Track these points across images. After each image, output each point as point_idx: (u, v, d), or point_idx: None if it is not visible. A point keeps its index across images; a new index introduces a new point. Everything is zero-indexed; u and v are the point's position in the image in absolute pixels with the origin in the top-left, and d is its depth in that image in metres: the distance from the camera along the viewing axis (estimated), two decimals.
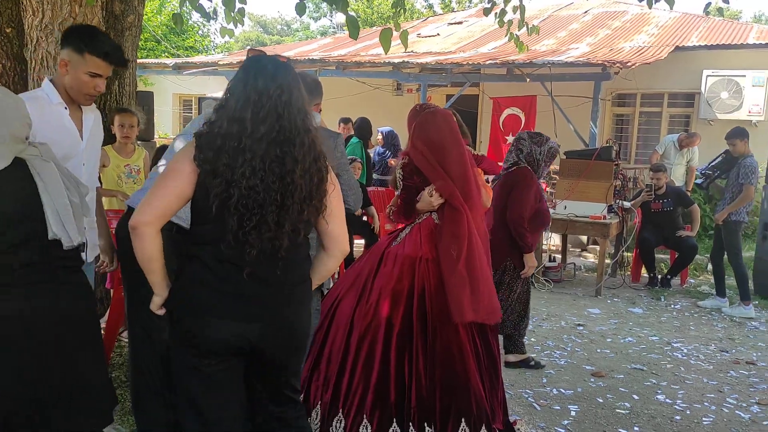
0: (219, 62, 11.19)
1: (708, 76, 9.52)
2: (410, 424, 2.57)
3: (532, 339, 4.56)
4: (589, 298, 6.02)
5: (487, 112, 10.75)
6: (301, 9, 3.46)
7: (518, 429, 2.96)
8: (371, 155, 7.72)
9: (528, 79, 8.60)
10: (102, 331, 3.47)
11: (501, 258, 3.74)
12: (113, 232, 2.62)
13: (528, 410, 3.41)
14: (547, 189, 6.92)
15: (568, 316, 5.34)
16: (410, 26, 14.03)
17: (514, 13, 4.57)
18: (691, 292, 6.37)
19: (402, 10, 4.42)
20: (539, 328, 4.91)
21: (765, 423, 3.41)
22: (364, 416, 2.58)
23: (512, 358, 3.95)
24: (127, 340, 2.94)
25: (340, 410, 2.62)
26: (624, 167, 7.61)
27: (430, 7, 25.22)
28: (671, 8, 3.89)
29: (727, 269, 5.79)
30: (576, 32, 11.67)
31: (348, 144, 7.03)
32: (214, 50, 21.45)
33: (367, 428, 2.57)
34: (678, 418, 3.42)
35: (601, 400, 3.60)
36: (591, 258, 7.78)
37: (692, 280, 6.87)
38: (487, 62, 8.72)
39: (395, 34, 3.48)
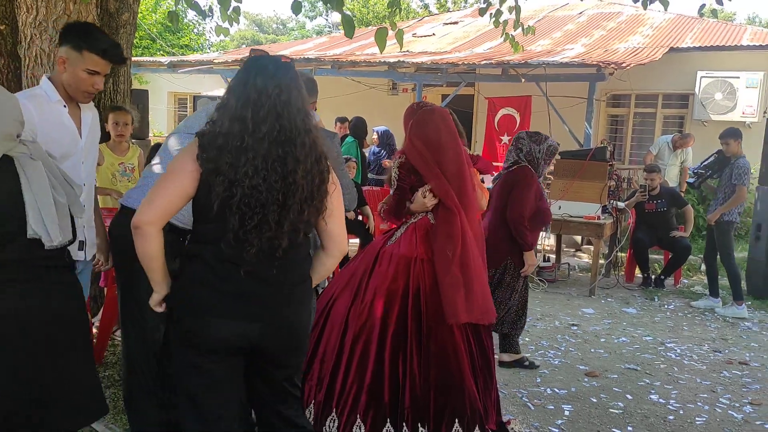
0: (214, 61, 11.18)
1: (702, 77, 9.57)
2: (404, 424, 2.57)
3: (527, 339, 4.56)
4: (583, 298, 6.03)
5: (482, 112, 10.78)
6: (296, 8, 3.45)
7: (512, 428, 2.96)
8: (366, 155, 7.71)
9: (523, 80, 8.62)
10: (95, 330, 3.47)
11: (501, 257, 3.74)
12: (107, 230, 2.61)
13: (522, 410, 3.41)
14: None
15: (562, 316, 5.36)
16: (406, 26, 14.04)
17: (510, 14, 4.58)
18: (684, 293, 6.39)
19: (397, 10, 4.42)
20: (533, 327, 4.92)
21: (758, 423, 3.42)
22: (358, 416, 2.57)
23: (506, 357, 3.96)
24: (120, 339, 2.93)
25: (334, 410, 2.62)
26: (618, 168, 7.64)
27: (426, 6, 25.26)
28: (666, 9, 3.91)
29: (720, 270, 5.82)
30: (571, 33, 11.70)
31: (343, 143, 7.03)
32: (209, 49, 21.41)
33: (360, 428, 2.57)
34: (671, 417, 3.43)
35: (594, 400, 3.61)
36: (585, 258, 7.80)
37: (686, 281, 6.89)
38: (483, 62, 8.73)
39: (391, 33, 3.49)
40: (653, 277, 6.58)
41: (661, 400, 3.65)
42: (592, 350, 4.51)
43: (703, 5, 4.22)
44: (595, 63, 8.05)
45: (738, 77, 9.35)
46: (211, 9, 4.69)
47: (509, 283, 3.80)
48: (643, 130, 10.61)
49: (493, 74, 9.24)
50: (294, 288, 1.89)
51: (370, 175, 7.63)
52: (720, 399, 3.72)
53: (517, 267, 3.78)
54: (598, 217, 6.11)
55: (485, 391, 2.75)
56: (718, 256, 5.72)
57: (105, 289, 3.67)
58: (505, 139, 9.57)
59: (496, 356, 3.11)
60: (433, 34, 13.15)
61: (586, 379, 3.93)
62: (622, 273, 6.81)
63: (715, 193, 5.88)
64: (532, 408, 3.45)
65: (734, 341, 4.91)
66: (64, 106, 2.42)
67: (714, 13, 4.46)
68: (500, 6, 4.60)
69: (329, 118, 7.88)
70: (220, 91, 10.73)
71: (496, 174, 4.25)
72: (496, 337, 3.73)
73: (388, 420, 2.57)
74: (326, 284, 3.14)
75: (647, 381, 3.94)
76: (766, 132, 6.21)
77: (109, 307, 3.47)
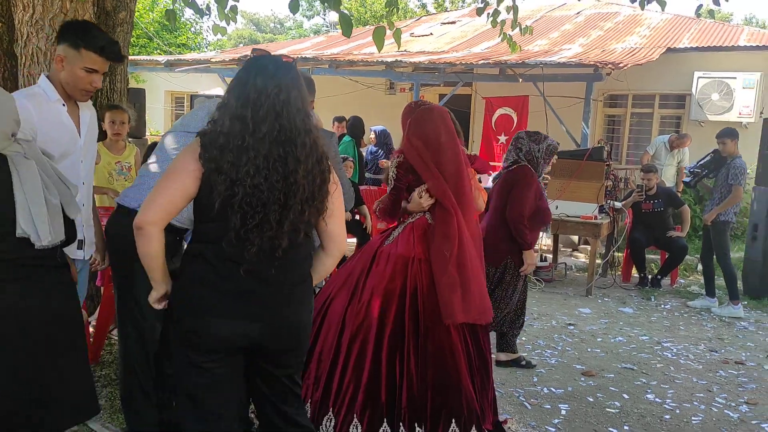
0: (211, 60, 11.15)
1: (699, 77, 9.58)
2: (401, 424, 2.57)
3: (523, 338, 4.57)
4: (580, 297, 6.04)
5: (479, 111, 10.77)
6: (294, 7, 3.45)
7: (509, 428, 2.96)
8: (363, 154, 7.71)
9: (520, 80, 8.62)
10: (92, 329, 3.46)
11: (501, 256, 3.74)
12: (104, 229, 2.61)
13: (519, 409, 3.42)
14: None
15: (559, 315, 5.36)
16: (403, 25, 14.04)
17: (507, 14, 4.58)
18: (681, 292, 6.40)
19: (395, 9, 4.42)
20: (530, 327, 4.92)
21: (754, 422, 3.43)
22: (355, 415, 2.57)
23: (503, 356, 3.96)
24: (117, 338, 2.92)
25: (331, 409, 2.62)
26: (615, 168, 7.66)
27: (424, 6, 25.25)
28: (663, 10, 3.91)
29: (716, 269, 5.83)
30: (568, 33, 11.71)
31: (340, 142, 7.03)
32: (206, 48, 21.40)
33: (357, 428, 2.56)
34: (668, 417, 3.44)
35: (591, 399, 3.61)
36: (582, 258, 7.81)
37: (682, 281, 6.91)
38: (480, 62, 8.73)
39: (388, 33, 3.48)
40: (650, 276, 6.59)
41: (657, 400, 3.66)
42: (589, 350, 4.52)
43: (701, 6, 4.23)
44: (592, 63, 8.06)
45: (735, 78, 9.37)
46: (208, 7, 4.69)
47: (509, 282, 3.80)
48: (640, 131, 10.63)
49: (491, 74, 9.25)
50: (294, 288, 1.89)
51: (367, 175, 7.63)
52: (716, 398, 3.73)
53: (517, 266, 3.78)
54: (595, 217, 6.11)
55: (482, 391, 2.75)
56: (715, 256, 5.74)
57: (101, 288, 3.66)
58: (502, 138, 9.58)
59: (493, 356, 3.11)
60: (431, 33, 13.15)
61: (582, 379, 3.94)
62: (619, 273, 6.83)
63: (711, 193, 5.90)
64: (529, 407, 3.45)
65: (730, 341, 4.92)
66: (63, 105, 2.41)
67: (711, 13, 4.48)
68: (498, 6, 4.60)
69: (327, 118, 7.86)
70: (217, 90, 10.73)
71: (495, 173, 4.25)
72: (493, 336, 3.74)
73: (385, 420, 2.57)
74: (323, 284, 3.14)
75: (644, 380, 3.95)
76: (762, 132, 6.23)
77: (105, 307, 3.46)
